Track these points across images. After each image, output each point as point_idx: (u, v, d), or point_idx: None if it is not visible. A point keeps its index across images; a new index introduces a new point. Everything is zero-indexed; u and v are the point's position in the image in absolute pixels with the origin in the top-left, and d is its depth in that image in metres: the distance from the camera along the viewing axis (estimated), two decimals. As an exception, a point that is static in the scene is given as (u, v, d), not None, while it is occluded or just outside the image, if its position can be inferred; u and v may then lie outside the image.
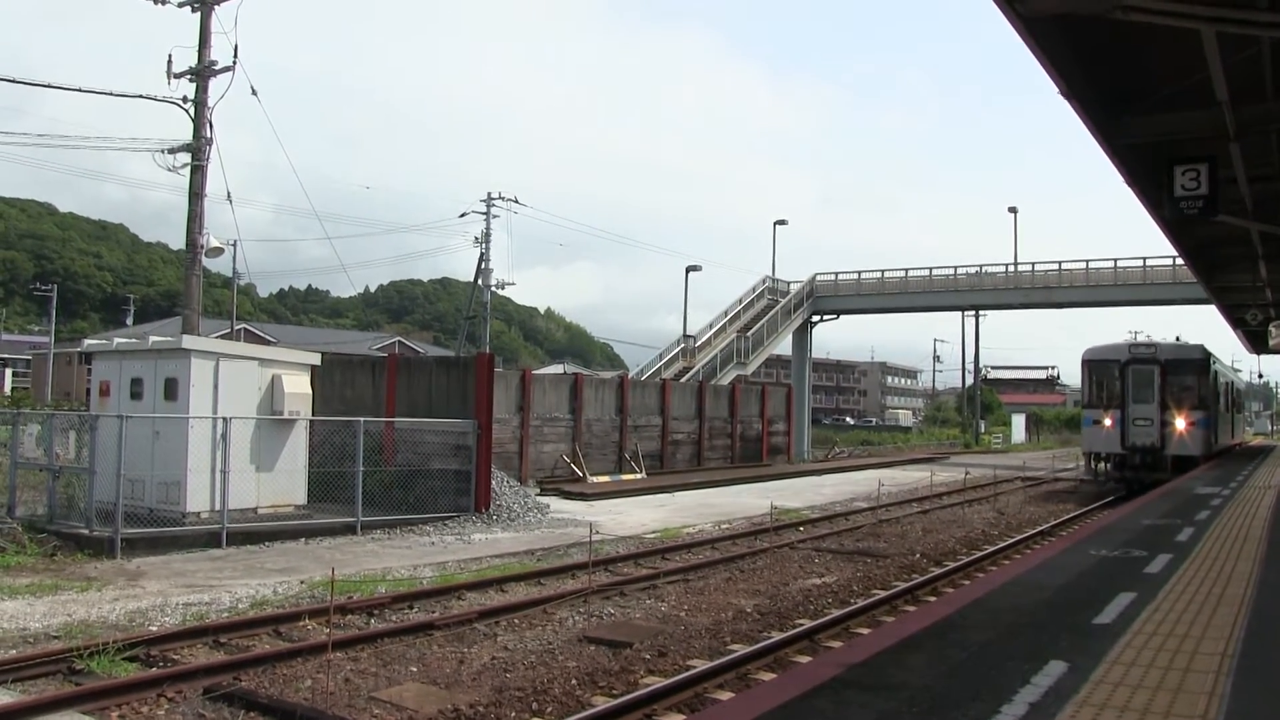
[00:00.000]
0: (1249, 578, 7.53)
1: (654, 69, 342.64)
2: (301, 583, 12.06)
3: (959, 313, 58.15)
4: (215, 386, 15.60)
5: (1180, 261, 30.31)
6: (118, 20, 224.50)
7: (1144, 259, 42.50)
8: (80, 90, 33.18)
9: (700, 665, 8.51)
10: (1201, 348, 26.40)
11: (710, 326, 45.23)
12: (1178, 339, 28.47)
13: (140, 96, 21.08)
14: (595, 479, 25.53)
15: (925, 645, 5.41)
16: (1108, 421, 24.87)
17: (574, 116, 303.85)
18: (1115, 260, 43.40)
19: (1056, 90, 10.46)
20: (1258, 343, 38.62)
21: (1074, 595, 6.84)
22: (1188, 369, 25.04)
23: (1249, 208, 14.57)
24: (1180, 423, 24.05)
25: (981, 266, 47.04)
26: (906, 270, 48.28)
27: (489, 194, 49.72)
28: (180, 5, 21.16)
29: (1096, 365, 26.16)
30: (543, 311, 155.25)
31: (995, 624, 5.91)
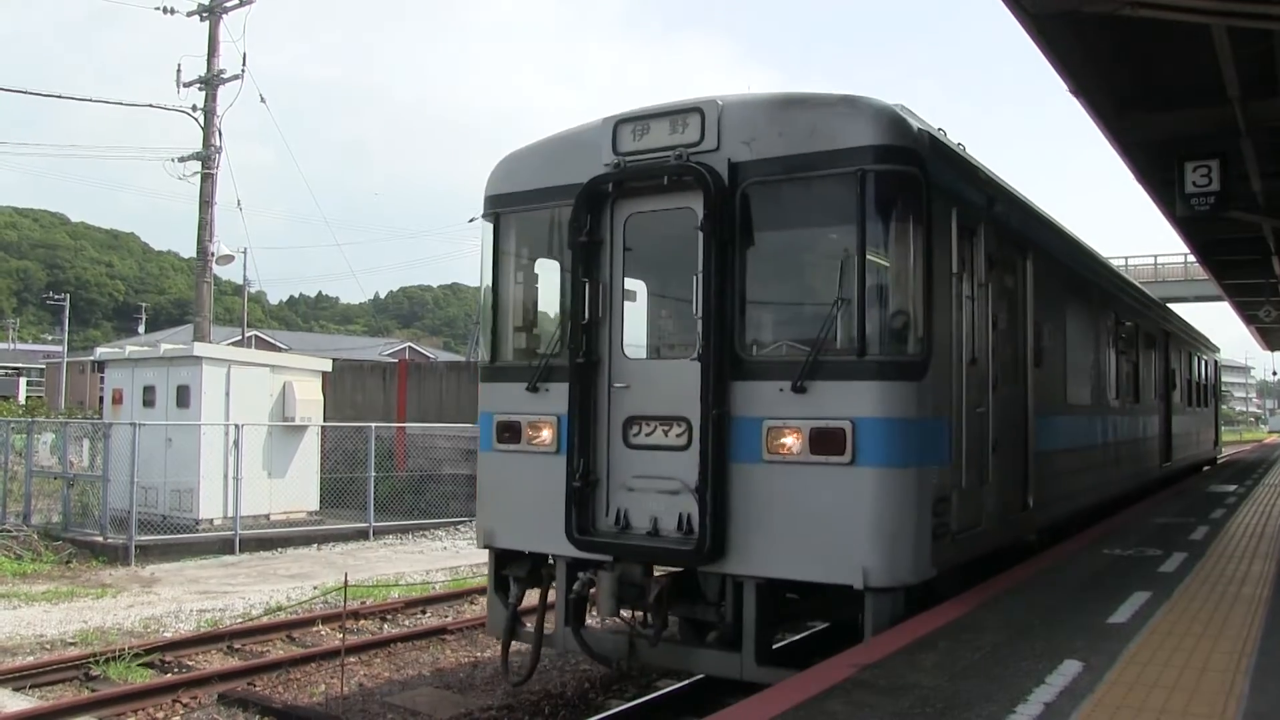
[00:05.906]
0: (1265, 577, 7.47)
1: (668, 75, 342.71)
2: (314, 588, 12.09)
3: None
4: (227, 394, 15.68)
5: (1192, 258, 30.20)
6: (129, 33, 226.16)
7: (1155, 256, 42.62)
8: (90, 100, 33.46)
9: (713, 668, 8.48)
10: (900, 125, 5.86)
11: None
12: (849, 100, 6.18)
13: (150, 106, 21.43)
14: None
15: (938, 645, 5.38)
16: (545, 434, 6.75)
17: (584, 119, 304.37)
18: (1126, 258, 43.41)
19: (1066, 88, 10.41)
20: (1272, 339, 38.38)
21: (1088, 594, 6.79)
22: (838, 188, 5.78)
23: (1261, 204, 14.46)
24: (790, 438, 5.72)
25: (992, 265, 46.80)
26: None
27: (498, 198, 49.74)
28: (189, 15, 21.35)
29: (515, 210, 7.56)
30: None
31: (1008, 623, 5.88)
